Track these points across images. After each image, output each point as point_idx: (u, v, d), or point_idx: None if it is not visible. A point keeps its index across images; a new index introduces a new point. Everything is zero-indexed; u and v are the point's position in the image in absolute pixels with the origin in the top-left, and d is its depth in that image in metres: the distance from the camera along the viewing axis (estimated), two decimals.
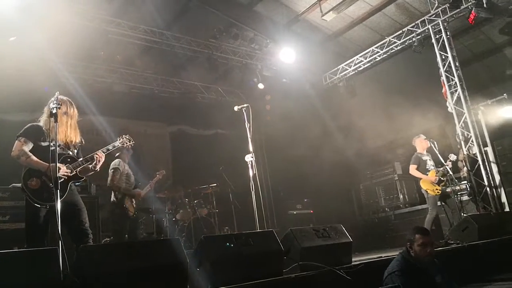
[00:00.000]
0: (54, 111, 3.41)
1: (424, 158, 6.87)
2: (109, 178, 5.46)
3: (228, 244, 3.29)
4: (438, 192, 6.59)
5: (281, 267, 3.50)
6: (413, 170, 6.82)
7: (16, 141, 3.70)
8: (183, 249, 3.10)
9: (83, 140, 4.07)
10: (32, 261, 2.55)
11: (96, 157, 3.87)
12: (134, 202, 5.55)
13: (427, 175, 6.69)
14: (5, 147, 4.75)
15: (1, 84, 6.19)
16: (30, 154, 3.65)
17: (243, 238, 3.41)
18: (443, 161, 6.58)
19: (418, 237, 3.38)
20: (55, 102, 3.50)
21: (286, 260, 3.61)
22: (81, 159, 3.87)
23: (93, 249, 2.96)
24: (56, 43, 6.84)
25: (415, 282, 3.30)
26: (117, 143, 4.26)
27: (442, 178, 6.66)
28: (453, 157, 6.68)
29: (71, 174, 3.73)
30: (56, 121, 3.41)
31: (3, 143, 5.08)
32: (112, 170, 5.48)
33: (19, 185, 3.75)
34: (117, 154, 5.74)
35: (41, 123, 3.83)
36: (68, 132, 3.86)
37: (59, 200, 3.23)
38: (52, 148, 3.43)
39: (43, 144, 3.71)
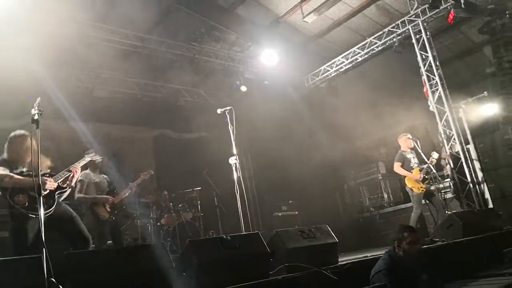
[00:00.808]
0: (35, 117, 3.34)
1: (408, 156, 6.90)
2: (76, 190, 5.42)
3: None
4: (422, 190, 6.64)
5: (267, 269, 3.47)
6: (397, 167, 6.85)
7: None
8: (168, 254, 3.06)
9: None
10: (16, 270, 2.54)
11: (72, 170, 4.26)
12: (107, 206, 5.46)
13: (411, 173, 6.73)
14: None
15: None
16: (12, 174, 3.79)
17: (228, 241, 3.36)
18: (426, 159, 6.63)
19: (406, 235, 3.39)
20: (36, 108, 3.43)
21: (272, 262, 3.58)
22: (62, 171, 4.15)
23: (77, 256, 2.90)
24: (37, 49, 6.69)
25: (402, 280, 3.30)
26: (87, 159, 4.72)
27: (426, 176, 6.70)
28: (435, 155, 6.72)
29: (55, 186, 3.98)
30: (37, 127, 3.35)
31: None
32: (78, 182, 5.46)
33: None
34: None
35: (4, 155, 3.98)
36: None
37: (42, 211, 3.15)
38: (33, 158, 3.40)
39: (16, 171, 3.89)
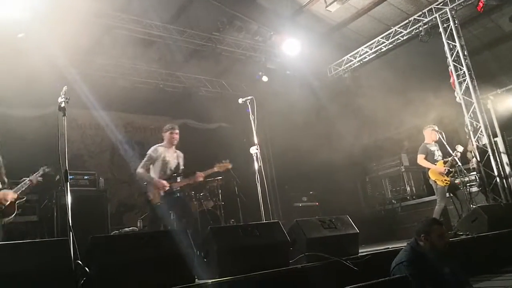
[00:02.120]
0: (62, 105, 3.44)
1: (432, 148, 6.77)
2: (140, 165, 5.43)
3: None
4: (447, 183, 6.48)
5: (287, 258, 3.49)
6: (421, 160, 6.72)
7: None
8: (190, 239, 3.10)
9: None
10: (43, 252, 2.62)
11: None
12: (161, 191, 5.24)
13: (435, 165, 6.58)
14: (12, 141, 4.87)
15: (9, 80, 6.21)
16: None
17: (249, 229, 3.39)
18: (451, 151, 6.49)
19: (436, 227, 3.34)
20: (63, 96, 3.53)
21: (292, 251, 3.59)
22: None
23: (103, 240, 2.98)
24: (61, 40, 6.84)
25: (424, 273, 3.26)
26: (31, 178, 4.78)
27: (450, 169, 6.54)
28: (460, 148, 6.55)
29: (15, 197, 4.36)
30: (64, 114, 3.45)
31: (10, 138, 5.17)
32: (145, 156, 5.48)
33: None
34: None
35: None
36: None
37: (69, 198, 3.25)
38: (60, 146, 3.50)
39: None
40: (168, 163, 5.37)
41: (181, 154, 5.66)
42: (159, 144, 5.53)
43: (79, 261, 2.79)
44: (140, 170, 5.27)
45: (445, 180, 6.51)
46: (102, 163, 8.74)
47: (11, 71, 6.40)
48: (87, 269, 2.72)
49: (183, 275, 2.91)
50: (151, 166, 5.34)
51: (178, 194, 5.39)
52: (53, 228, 6.10)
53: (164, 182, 5.18)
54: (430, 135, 6.84)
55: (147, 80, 8.98)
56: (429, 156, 6.72)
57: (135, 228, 6.98)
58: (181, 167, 5.55)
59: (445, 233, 3.37)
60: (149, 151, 5.41)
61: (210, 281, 2.92)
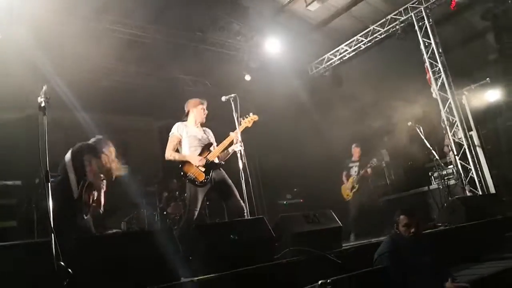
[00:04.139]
0: (42, 104, 3.37)
1: (351, 165, 8.09)
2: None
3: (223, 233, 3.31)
4: (348, 197, 7.97)
5: (272, 253, 3.54)
6: (341, 176, 8.18)
7: None
8: (175, 238, 3.12)
9: None
10: (25, 253, 2.58)
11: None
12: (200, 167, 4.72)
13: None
14: None
15: None
16: None
17: (234, 225, 3.44)
18: (428, 145, 6.75)
19: (402, 218, 3.46)
20: (42, 95, 3.47)
21: (277, 246, 3.65)
22: None
23: (86, 240, 2.97)
24: (40, 40, 6.74)
25: (405, 263, 3.36)
26: None
27: (355, 185, 7.90)
28: (374, 161, 7.76)
29: None
30: (44, 114, 3.38)
31: None
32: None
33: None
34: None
35: None
36: None
37: (50, 195, 3.21)
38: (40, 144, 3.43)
39: None
40: (196, 137, 4.84)
41: (208, 130, 5.09)
42: (180, 122, 4.99)
43: (61, 263, 2.75)
44: (168, 153, 4.77)
45: (347, 195, 7.99)
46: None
47: None
48: (70, 270, 2.69)
49: (168, 273, 2.91)
50: (178, 146, 4.84)
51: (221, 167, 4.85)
52: (33, 233, 6.00)
53: (198, 157, 4.66)
54: (354, 152, 8.13)
55: (127, 80, 8.90)
56: (347, 171, 8.10)
57: (119, 230, 6.94)
58: (213, 142, 4.98)
59: (413, 223, 3.45)
60: (172, 130, 4.89)
61: (196, 278, 2.93)
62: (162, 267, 2.93)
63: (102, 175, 4.47)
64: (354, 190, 7.88)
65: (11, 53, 6.76)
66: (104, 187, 4.49)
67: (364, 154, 8.26)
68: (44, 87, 3.57)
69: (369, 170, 7.82)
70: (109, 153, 4.51)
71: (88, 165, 4.23)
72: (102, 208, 4.45)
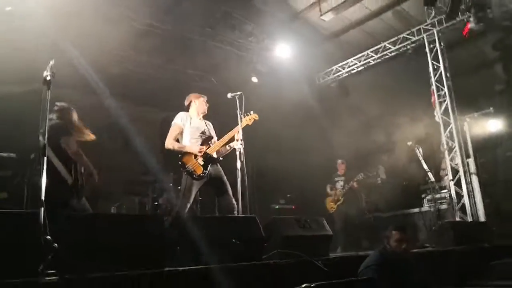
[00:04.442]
0: (48, 78, 3.35)
1: (337, 179, 8.41)
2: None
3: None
4: (333, 209, 8.21)
5: (261, 253, 3.55)
6: (327, 188, 8.46)
7: None
8: (164, 226, 3.12)
9: None
10: (12, 222, 2.56)
11: None
12: (199, 159, 4.77)
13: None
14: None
15: None
16: None
17: (226, 221, 3.44)
18: (426, 167, 6.79)
19: (394, 233, 3.48)
20: (49, 69, 3.47)
21: (266, 246, 3.66)
22: None
23: (76, 217, 2.96)
24: (52, 19, 6.73)
25: (391, 278, 3.37)
26: None
27: (340, 198, 8.19)
28: (361, 176, 8.13)
29: None
30: (49, 88, 3.36)
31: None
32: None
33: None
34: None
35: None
36: None
37: (45, 168, 3.19)
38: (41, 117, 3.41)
39: None
40: (198, 129, 4.85)
41: (209, 123, 5.12)
42: (184, 112, 4.98)
43: (48, 237, 2.72)
44: (168, 142, 4.77)
45: (332, 208, 8.23)
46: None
47: None
48: (56, 245, 2.67)
49: (154, 260, 2.90)
50: (179, 136, 4.83)
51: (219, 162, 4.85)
52: (21, 206, 5.98)
53: (198, 147, 4.66)
54: (339, 167, 8.47)
55: (136, 69, 8.90)
56: (332, 184, 8.43)
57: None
58: (214, 136, 4.98)
59: (404, 239, 3.48)
60: (175, 120, 4.86)
61: (180, 268, 2.92)
62: (148, 254, 2.92)
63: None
64: (339, 203, 8.14)
65: (21, 25, 6.77)
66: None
67: (360, 168, 8.31)
68: (51, 62, 3.56)
69: (355, 183, 8.11)
70: (76, 121, 4.43)
71: (67, 148, 4.13)
72: (97, 176, 4.39)
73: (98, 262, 2.65)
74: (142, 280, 2.65)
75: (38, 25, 6.73)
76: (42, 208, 2.91)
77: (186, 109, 5.09)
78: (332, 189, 8.39)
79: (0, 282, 2.18)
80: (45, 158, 3.25)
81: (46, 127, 3.46)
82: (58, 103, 4.49)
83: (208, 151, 4.72)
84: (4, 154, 6.08)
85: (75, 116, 4.51)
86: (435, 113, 7.86)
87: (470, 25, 6.78)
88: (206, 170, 4.63)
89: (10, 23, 6.69)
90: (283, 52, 9.06)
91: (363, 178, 8.20)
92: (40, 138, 3.86)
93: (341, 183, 8.31)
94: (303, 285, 2.70)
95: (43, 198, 3.04)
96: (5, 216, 2.65)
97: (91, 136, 4.44)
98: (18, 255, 2.48)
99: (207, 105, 5.08)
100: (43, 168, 3.21)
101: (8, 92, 7.09)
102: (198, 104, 5.02)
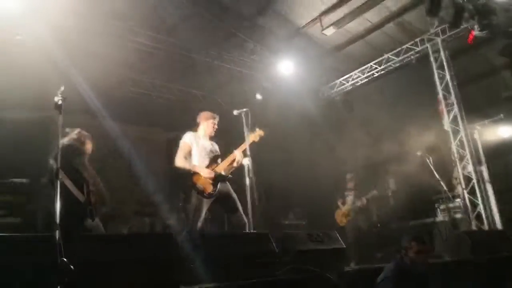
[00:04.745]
0: (59, 102, 3.42)
1: (346, 193, 8.33)
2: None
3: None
4: (343, 224, 8.15)
5: (274, 269, 3.49)
6: (339, 202, 8.40)
7: None
8: (177, 244, 3.10)
9: None
10: (28, 246, 2.57)
11: None
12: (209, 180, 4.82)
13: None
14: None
15: (3, 80, 6.18)
16: None
17: (239, 238, 3.41)
18: (438, 177, 6.73)
19: (414, 244, 3.40)
20: (59, 95, 3.53)
21: (279, 262, 3.60)
22: None
23: (90, 239, 2.96)
24: (55, 43, 6.86)
25: None
26: None
27: (350, 213, 8.13)
28: (374, 193, 8.15)
29: None
30: (60, 113, 3.42)
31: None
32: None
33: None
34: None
35: None
36: None
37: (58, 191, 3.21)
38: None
39: None
40: (206, 148, 4.93)
41: (215, 143, 5.20)
42: (192, 132, 5.07)
43: (64, 259, 2.75)
44: (178, 160, 4.81)
45: (341, 221, 8.19)
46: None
47: (6, 72, 6.39)
48: (72, 267, 2.68)
49: (167, 279, 2.90)
50: (187, 155, 4.88)
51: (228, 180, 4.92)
52: (35, 231, 6.00)
53: (207, 170, 4.74)
54: (348, 182, 8.43)
55: (140, 91, 9.01)
56: (342, 199, 8.36)
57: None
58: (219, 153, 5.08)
59: (424, 250, 3.41)
60: (183, 139, 4.94)
61: (197, 286, 2.90)
62: (161, 272, 2.90)
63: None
64: (349, 217, 8.09)
65: (29, 53, 6.92)
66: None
67: (370, 181, 8.25)
68: (62, 88, 3.64)
69: (364, 200, 8.06)
70: (89, 147, 4.48)
71: (83, 169, 4.18)
72: (108, 202, 4.41)
73: (113, 283, 2.64)
74: None
75: (44, 51, 6.87)
76: (57, 231, 2.95)
77: (195, 128, 5.12)
78: (343, 203, 8.32)
79: None
80: (58, 181, 3.28)
81: (59, 151, 3.50)
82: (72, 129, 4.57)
83: (216, 169, 4.74)
84: (17, 180, 6.15)
85: (89, 143, 4.56)
86: (444, 122, 7.80)
87: (475, 32, 6.75)
88: (216, 188, 4.65)
89: (20, 51, 6.84)
90: (287, 68, 9.14)
91: (376, 195, 8.16)
92: (51, 161, 3.94)
93: (351, 197, 8.25)
94: None
95: (57, 221, 3.08)
96: (21, 240, 2.67)
97: None
98: (35, 278, 2.48)
99: (216, 127, 5.15)
100: (56, 191, 3.24)
101: (17, 118, 7.21)
102: (206, 126, 5.12)
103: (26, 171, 6.25)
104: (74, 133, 4.45)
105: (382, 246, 7.85)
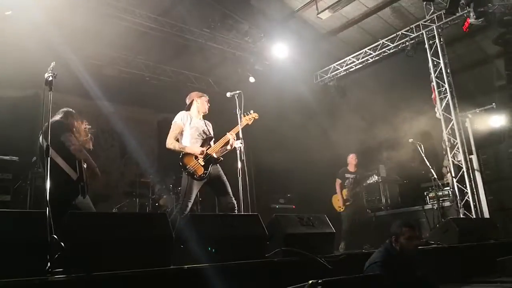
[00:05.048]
0: (49, 79, 3.36)
1: (347, 175, 7.91)
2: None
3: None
4: (341, 210, 7.86)
5: (264, 251, 3.50)
6: (337, 184, 7.97)
7: None
8: (169, 224, 3.09)
9: None
10: (19, 223, 2.53)
11: None
12: (200, 159, 4.71)
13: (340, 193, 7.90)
14: None
15: None
16: None
17: (229, 219, 3.40)
18: (428, 164, 6.74)
19: (405, 230, 3.40)
20: (50, 71, 3.48)
21: (269, 245, 3.61)
22: None
23: (82, 216, 2.94)
24: (50, 21, 6.71)
25: (396, 275, 3.32)
26: None
27: (349, 198, 7.78)
28: (375, 178, 7.94)
29: None
30: (50, 89, 3.37)
31: None
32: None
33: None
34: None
35: None
36: None
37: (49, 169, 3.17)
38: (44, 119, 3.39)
39: None
40: (198, 129, 4.79)
41: (209, 123, 5.05)
42: (185, 112, 4.93)
43: (54, 236, 2.74)
44: (169, 141, 4.71)
45: (339, 207, 7.87)
46: None
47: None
48: (62, 244, 2.67)
49: (158, 258, 2.88)
50: (179, 136, 4.78)
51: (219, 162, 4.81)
52: (25, 208, 5.96)
53: (199, 148, 4.65)
54: (349, 161, 7.99)
55: (133, 71, 8.88)
56: (343, 182, 7.90)
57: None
58: (212, 135, 4.95)
59: (415, 236, 3.42)
60: (175, 119, 4.82)
61: (186, 266, 2.90)
62: (152, 252, 2.89)
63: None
64: (348, 203, 7.80)
65: (22, 29, 6.75)
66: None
67: (361, 166, 8.24)
68: (52, 64, 3.59)
69: (364, 185, 7.91)
70: (77, 124, 4.41)
71: (70, 144, 4.11)
72: (99, 173, 4.35)
73: (103, 260, 2.64)
74: (147, 278, 2.63)
75: (36, 28, 6.71)
76: (48, 208, 2.93)
77: (187, 108, 5.04)
78: (341, 187, 7.91)
79: (8, 281, 2.16)
80: (49, 159, 3.24)
81: (49, 127, 3.46)
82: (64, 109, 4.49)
83: (208, 151, 4.69)
84: (7, 157, 6.08)
85: (78, 121, 4.47)
86: (436, 110, 7.81)
87: (470, 20, 6.73)
88: (207, 170, 4.61)
89: (10, 27, 6.67)
90: (281, 51, 9.05)
91: (373, 181, 7.97)
92: (41, 139, 3.89)
93: (351, 180, 7.86)
94: (310, 282, 2.66)
95: (47, 198, 3.06)
96: (13, 216, 2.62)
97: (89, 144, 4.39)
98: (26, 254, 2.45)
99: (209, 104, 5.04)
100: (47, 169, 3.22)
101: (8, 95, 7.08)
102: (199, 104, 4.97)
103: (16, 148, 6.19)
104: (61, 111, 4.38)
105: (370, 232, 7.90)
